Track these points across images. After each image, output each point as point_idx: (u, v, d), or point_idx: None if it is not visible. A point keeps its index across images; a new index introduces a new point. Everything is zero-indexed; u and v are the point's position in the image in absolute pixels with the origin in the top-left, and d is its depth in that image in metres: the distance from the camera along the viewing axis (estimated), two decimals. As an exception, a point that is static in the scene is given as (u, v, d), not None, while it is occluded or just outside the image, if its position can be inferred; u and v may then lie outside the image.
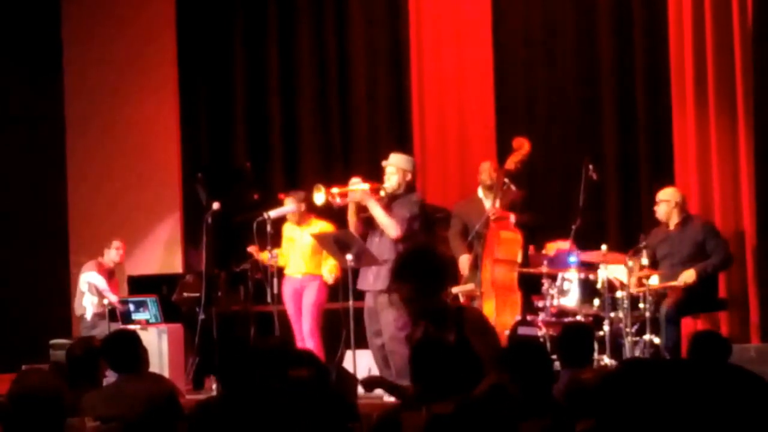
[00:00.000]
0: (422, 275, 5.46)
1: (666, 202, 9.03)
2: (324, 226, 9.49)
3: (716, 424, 3.92)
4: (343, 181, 9.00)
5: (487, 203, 9.22)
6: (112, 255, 10.61)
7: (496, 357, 5.16)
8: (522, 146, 9.27)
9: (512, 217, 9.15)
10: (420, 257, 5.61)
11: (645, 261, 8.72)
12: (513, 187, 9.15)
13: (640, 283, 8.70)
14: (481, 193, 9.39)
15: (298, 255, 9.53)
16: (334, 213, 8.93)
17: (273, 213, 9.32)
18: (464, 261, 9.20)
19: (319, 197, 8.64)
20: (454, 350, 5.14)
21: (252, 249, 9.54)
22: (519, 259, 9.07)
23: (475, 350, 5.26)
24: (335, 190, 8.65)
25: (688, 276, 8.73)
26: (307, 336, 9.38)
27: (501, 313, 8.75)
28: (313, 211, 9.49)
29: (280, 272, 9.55)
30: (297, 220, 9.58)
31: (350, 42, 11.53)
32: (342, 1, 11.57)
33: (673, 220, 9.02)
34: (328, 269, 9.51)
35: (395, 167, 8.64)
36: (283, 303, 9.61)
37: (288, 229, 9.68)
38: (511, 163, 9.21)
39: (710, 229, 9.01)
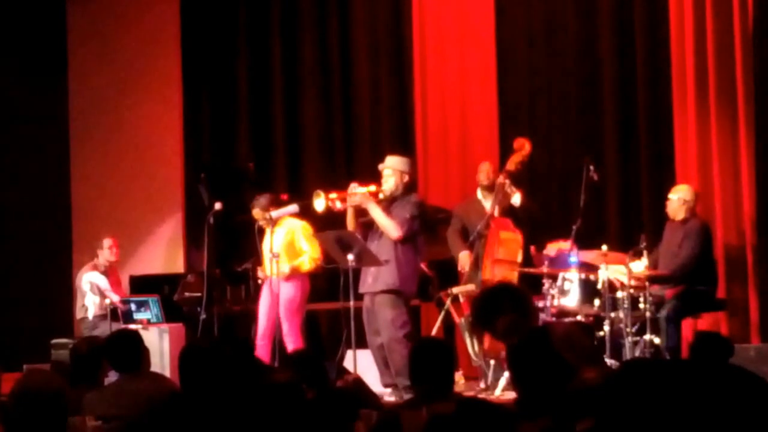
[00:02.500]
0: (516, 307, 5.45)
1: (677, 199, 9.05)
2: (295, 224, 9.44)
3: (717, 425, 3.93)
4: (345, 182, 9.03)
5: (486, 204, 9.24)
6: (106, 255, 10.56)
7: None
8: (523, 147, 9.29)
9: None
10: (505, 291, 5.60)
11: (645, 261, 8.73)
12: (513, 188, 9.15)
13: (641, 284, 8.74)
14: (480, 194, 9.41)
15: (270, 257, 9.52)
16: (333, 217, 8.91)
17: (275, 213, 9.32)
18: (464, 257, 9.23)
19: (320, 203, 8.64)
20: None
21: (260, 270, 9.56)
22: (519, 259, 9.09)
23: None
24: (333, 195, 8.66)
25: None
26: (286, 337, 9.25)
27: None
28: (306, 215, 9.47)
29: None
30: (266, 222, 9.53)
31: (353, 42, 11.55)
32: (345, 1, 11.59)
33: (678, 217, 9.04)
34: (308, 259, 9.44)
35: (392, 169, 8.66)
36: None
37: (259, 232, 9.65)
38: (511, 163, 9.23)
39: (696, 230, 8.91)
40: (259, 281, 9.68)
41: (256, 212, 9.48)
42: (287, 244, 9.38)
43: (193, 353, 4.93)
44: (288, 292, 9.33)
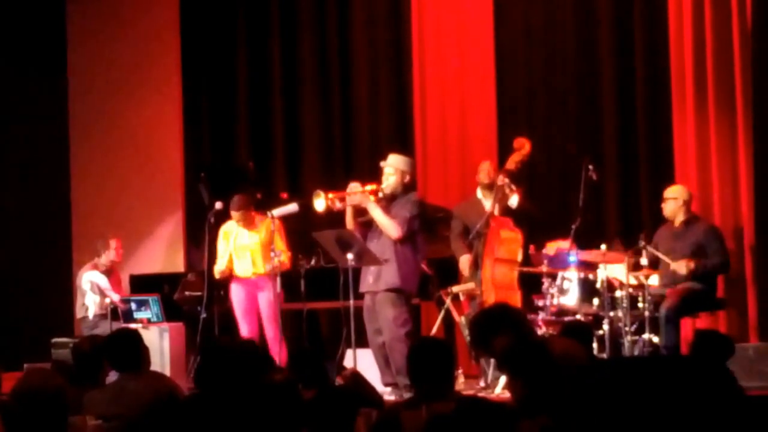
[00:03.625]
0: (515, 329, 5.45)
1: (674, 200, 9.04)
2: (270, 224, 9.44)
3: (715, 423, 3.95)
4: (344, 181, 9.03)
5: (486, 203, 9.24)
6: (111, 255, 10.56)
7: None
8: (523, 146, 9.29)
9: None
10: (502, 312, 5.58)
11: (644, 261, 8.73)
12: (513, 187, 9.15)
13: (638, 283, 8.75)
14: (480, 193, 9.42)
15: (248, 256, 9.50)
16: (332, 216, 8.90)
17: (276, 212, 9.33)
18: (465, 261, 9.22)
19: (320, 203, 8.64)
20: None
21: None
22: (519, 258, 9.09)
23: None
24: (333, 195, 8.66)
25: (683, 266, 8.71)
26: (272, 342, 9.23)
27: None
28: (258, 211, 9.49)
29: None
30: (242, 220, 9.49)
31: (352, 42, 11.56)
32: (344, 1, 11.60)
33: (679, 218, 9.03)
34: (286, 258, 9.42)
35: (394, 168, 8.66)
36: (232, 303, 9.62)
37: (232, 231, 9.57)
38: (511, 163, 9.23)
39: (713, 233, 8.98)
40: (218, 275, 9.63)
41: (236, 214, 9.47)
42: (265, 244, 9.37)
43: (215, 353, 4.93)
44: (269, 295, 9.34)
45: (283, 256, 9.38)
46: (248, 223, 9.52)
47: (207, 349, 5.10)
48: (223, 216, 9.94)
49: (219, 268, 9.55)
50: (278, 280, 9.19)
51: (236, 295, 9.58)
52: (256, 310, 9.49)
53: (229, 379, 4.65)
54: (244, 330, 9.48)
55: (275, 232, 9.23)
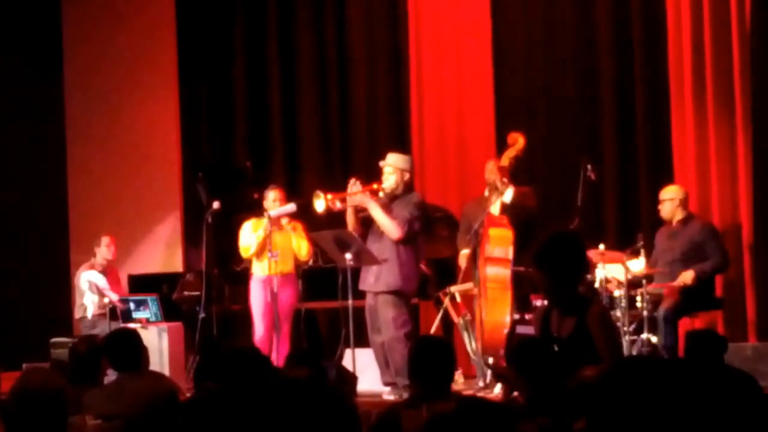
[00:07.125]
0: (559, 265, 5.47)
1: (670, 201, 9.05)
2: (293, 223, 9.45)
3: (710, 423, 3.95)
4: (343, 181, 9.02)
5: (493, 203, 9.21)
6: (104, 253, 10.56)
7: (611, 352, 5.26)
8: (516, 141, 9.27)
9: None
10: (557, 246, 5.58)
11: (642, 260, 8.73)
12: (506, 181, 9.10)
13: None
14: (487, 192, 9.39)
15: (277, 254, 9.48)
16: (333, 216, 8.90)
17: (273, 212, 9.33)
18: (463, 255, 9.23)
19: (320, 204, 8.61)
20: (571, 336, 5.20)
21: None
22: (510, 256, 8.96)
23: (593, 341, 5.34)
24: (332, 195, 8.64)
25: (687, 276, 8.74)
26: (284, 340, 9.22)
27: (491, 311, 8.70)
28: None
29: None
30: (277, 201, 9.45)
31: (350, 42, 11.56)
32: (342, 1, 11.60)
33: (676, 217, 9.04)
34: (305, 252, 9.46)
35: (393, 167, 8.65)
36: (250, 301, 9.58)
37: (258, 228, 9.49)
38: (505, 159, 9.20)
39: (710, 231, 9.00)
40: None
41: (274, 193, 9.46)
42: (286, 245, 9.38)
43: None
44: (292, 292, 9.36)
45: (303, 250, 9.41)
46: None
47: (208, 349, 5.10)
48: (221, 216, 9.94)
49: (248, 249, 9.43)
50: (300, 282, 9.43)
51: (256, 292, 9.47)
52: (271, 309, 9.39)
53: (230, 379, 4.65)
54: (260, 329, 9.40)
55: (268, 234, 9.22)
